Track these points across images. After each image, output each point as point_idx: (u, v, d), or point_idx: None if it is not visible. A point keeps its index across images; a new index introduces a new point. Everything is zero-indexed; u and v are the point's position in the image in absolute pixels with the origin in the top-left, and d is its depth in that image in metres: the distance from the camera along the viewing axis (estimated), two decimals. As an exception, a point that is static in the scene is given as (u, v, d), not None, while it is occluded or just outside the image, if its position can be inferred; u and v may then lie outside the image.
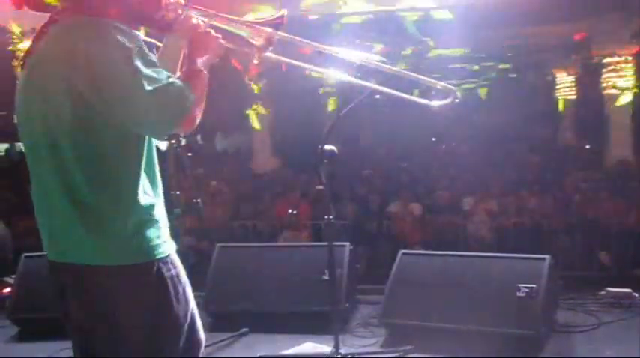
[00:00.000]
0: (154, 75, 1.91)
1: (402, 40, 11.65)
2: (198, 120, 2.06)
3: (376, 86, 2.92)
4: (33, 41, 2.02)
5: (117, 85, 1.88)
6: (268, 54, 2.28)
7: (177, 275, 2.06)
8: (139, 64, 1.88)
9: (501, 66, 13.87)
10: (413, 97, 2.93)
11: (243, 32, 2.25)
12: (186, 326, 2.07)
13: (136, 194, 1.99)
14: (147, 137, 2.04)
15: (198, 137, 15.71)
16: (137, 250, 1.98)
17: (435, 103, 2.88)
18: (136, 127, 1.97)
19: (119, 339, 1.97)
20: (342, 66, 2.79)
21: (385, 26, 10.23)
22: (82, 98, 1.88)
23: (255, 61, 2.30)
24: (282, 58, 2.42)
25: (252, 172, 13.01)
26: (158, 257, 2.01)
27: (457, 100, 2.85)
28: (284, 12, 2.27)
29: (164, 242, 2.05)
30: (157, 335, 1.99)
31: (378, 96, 3.07)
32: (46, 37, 1.98)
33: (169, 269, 2.03)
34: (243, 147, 15.60)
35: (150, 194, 2.05)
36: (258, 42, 2.26)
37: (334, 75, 2.65)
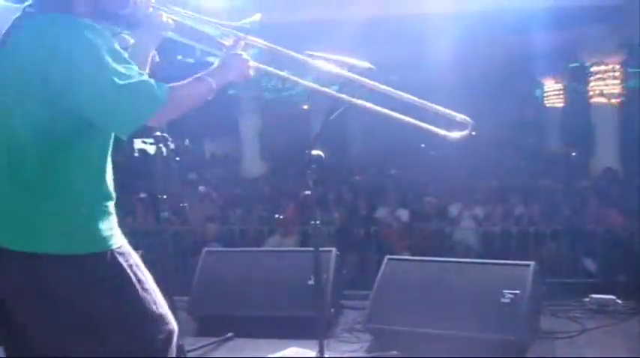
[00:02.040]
0: (124, 71, 1.92)
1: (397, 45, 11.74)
2: (170, 118, 2.07)
3: (387, 110, 2.85)
4: (5, 34, 2.03)
5: (85, 81, 1.90)
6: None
7: (137, 265, 2.08)
8: (108, 59, 1.90)
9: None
10: (431, 127, 2.87)
11: (212, 32, 2.26)
12: (159, 314, 2.07)
13: (100, 183, 2.05)
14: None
15: (187, 141, 15.71)
16: (90, 239, 2.01)
17: (454, 135, 2.83)
18: (102, 123, 1.99)
19: (85, 331, 1.97)
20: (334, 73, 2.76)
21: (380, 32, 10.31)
22: (53, 94, 1.91)
23: None
24: (265, 67, 2.42)
25: (240, 176, 13.02)
26: (112, 247, 2.04)
27: (474, 133, 2.81)
28: (258, 15, 2.29)
29: (116, 233, 2.08)
30: (130, 325, 2.01)
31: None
32: (19, 32, 2.00)
33: (127, 260, 2.05)
34: (231, 151, 15.60)
35: (107, 187, 2.09)
36: (227, 42, 2.28)
37: (311, 85, 2.63)
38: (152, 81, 1.98)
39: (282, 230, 9.04)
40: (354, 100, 2.79)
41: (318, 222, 3.85)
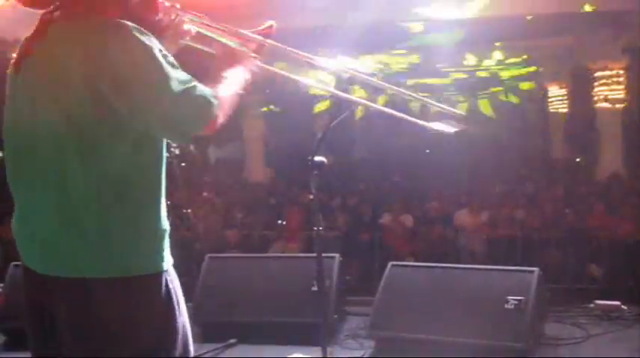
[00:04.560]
0: (179, 76, 1.85)
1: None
2: (219, 124, 1.98)
3: (382, 107, 2.88)
4: (29, 42, 1.95)
5: (143, 86, 1.81)
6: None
7: (179, 287, 2.02)
8: (163, 64, 1.83)
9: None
10: (425, 123, 2.89)
11: (232, 41, 2.26)
12: (181, 339, 2.01)
13: (160, 201, 1.95)
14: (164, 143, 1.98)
15: (192, 147, 15.70)
16: (151, 260, 1.92)
17: (449, 129, 2.87)
18: (160, 129, 1.91)
19: (126, 353, 1.90)
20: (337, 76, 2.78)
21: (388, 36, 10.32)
22: (104, 100, 1.80)
23: None
24: (270, 68, 2.42)
25: (244, 182, 13.02)
26: (166, 268, 1.96)
27: (467, 127, 2.84)
28: (272, 23, 2.28)
29: (169, 253, 2.01)
30: (162, 348, 1.94)
31: (370, 108, 3.02)
32: (50, 38, 1.90)
33: (172, 281, 1.98)
34: (236, 157, 15.60)
35: (164, 202, 2.01)
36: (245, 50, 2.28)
37: (324, 87, 2.63)
38: (205, 87, 1.91)
39: (286, 236, 9.05)
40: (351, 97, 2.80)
41: (321, 227, 3.84)
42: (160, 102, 1.83)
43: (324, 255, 3.87)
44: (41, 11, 2.00)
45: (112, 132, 1.84)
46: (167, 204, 4.10)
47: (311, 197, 3.75)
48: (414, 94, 2.72)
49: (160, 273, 1.94)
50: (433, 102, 2.78)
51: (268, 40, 2.28)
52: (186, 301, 4.54)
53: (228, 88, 2.05)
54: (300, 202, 9.32)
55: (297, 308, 4.50)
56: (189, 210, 4.54)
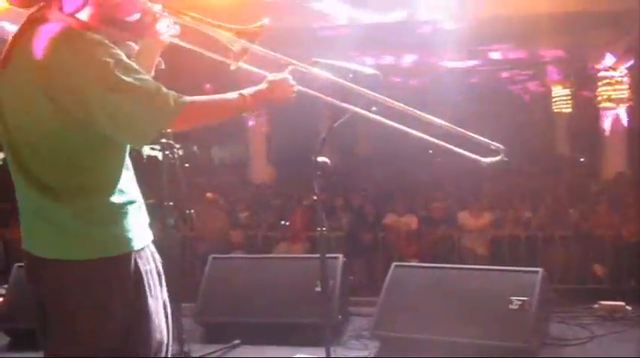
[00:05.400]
0: (137, 83, 1.89)
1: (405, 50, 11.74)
2: (182, 129, 2.06)
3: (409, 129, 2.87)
4: (14, 40, 2.00)
5: (97, 100, 1.87)
6: (242, 63, 2.29)
7: (151, 271, 2.07)
8: (118, 75, 1.87)
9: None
10: (463, 151, 2.91)
11: (222, 37, 2.26)
12: (161, 324, 2.07)
13: (111, 188, 2.00)
14: None
15: (195, 147, 15.74)
16: (113, 242, 1.99)
17: (486, 160, 2.90)
18: (116, 136, 1.97)
19: (94, 333, 1.96)
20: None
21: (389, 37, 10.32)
22: (60, 107, 1.89)
23: (232, 67, 2.31)
24: (256, 69, 2.41)
25: (248, 183, 13.03)
26: (135, 249, 2.02)
27: (506, 159, 2.88)
28: (264, 21, 2.28)
29: (140, 234, 2.06)
30: (132, 330, 1.99)
31: (374, 108, 3.00)
32: (25, 39, 1.96)
33: (145, 264, 2.04)
34: (239, 157, 15.62)
35: (125, 189, 2.05)
36: (235, 49, 2.28)
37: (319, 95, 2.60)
38: (165, 91, 1.94)
39: (290, 236, 9.05)
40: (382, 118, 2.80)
41: (324, 228, 3.84)
42: (114, 114, 1.89)
43: (327, 255, 3.88)
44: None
45: (72, 130, 1.92)
46: (170, 205, 4.11)
47: (315, 198, 3.75)
48: (444, 122, 2.73)
49: (125, 255, 2.00)
50: (473, 135, 2.80)
51: (255, 44, 2.29)
52: (190, 302, 4.53)
53: (225, 101, 2.09)
54: (304, 203, 9.32)
55: (300, 308, 4.49)
56: (192, 211, 4.53)
